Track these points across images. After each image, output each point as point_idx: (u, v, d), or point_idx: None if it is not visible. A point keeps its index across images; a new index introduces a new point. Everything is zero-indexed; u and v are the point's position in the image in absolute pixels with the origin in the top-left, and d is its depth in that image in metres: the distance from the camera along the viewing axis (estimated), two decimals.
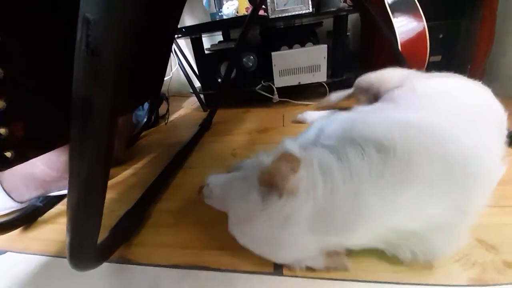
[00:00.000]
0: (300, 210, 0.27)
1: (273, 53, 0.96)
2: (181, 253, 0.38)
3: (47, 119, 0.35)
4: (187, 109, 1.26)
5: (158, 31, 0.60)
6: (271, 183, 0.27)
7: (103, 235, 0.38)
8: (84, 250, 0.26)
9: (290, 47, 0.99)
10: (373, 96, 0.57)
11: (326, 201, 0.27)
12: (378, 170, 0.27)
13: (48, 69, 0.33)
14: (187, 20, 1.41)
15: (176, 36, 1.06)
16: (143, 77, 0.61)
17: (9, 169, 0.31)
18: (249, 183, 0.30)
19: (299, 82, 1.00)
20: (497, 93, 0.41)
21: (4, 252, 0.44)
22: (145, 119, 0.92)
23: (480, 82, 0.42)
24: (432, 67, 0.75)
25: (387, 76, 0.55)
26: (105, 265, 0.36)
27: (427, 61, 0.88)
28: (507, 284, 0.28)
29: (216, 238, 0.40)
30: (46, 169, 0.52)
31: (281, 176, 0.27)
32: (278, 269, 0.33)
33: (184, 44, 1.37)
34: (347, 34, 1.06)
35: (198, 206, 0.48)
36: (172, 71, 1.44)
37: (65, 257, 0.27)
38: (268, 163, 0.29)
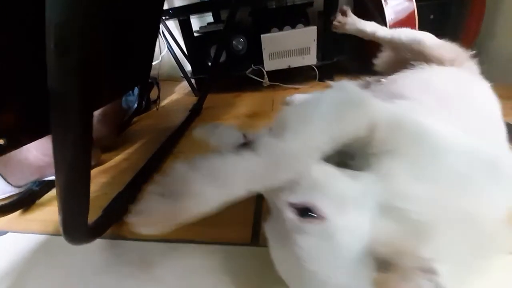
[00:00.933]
0: None
1: (262, 36, 0.95)
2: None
3: (37, 106, 0.37)
4: (179, 94, 1.26)
5: (140, 14, 0.60)
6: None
7: (97, 214, 0.41)
8: (76, 227, 0.29)
9: (281, 29, 0.97)
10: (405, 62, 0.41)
11: None
12: None
13: (36, 58, 0.33)
14: (176, 0, 1.36)
15: (164, 17, 1.03)
16: (128, 62, 0.61)
17: (4, 156, 0.33)
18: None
19: (289, 66, 0.99)
20: (486, 77, 0.41)
21: (6, 232, 0.47)
22: (136, 105, 0.93)
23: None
24: None
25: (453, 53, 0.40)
26: (99, 241, 0.40)
27: None
28: None
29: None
30: (39, 155, 0.54)
31: None
32: (255, 240, 0.37)
33: (173, 25, 1.33)
34: None
35: None
36: (162, 54, 1.41)
37: (61, 235, 0.30)
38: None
